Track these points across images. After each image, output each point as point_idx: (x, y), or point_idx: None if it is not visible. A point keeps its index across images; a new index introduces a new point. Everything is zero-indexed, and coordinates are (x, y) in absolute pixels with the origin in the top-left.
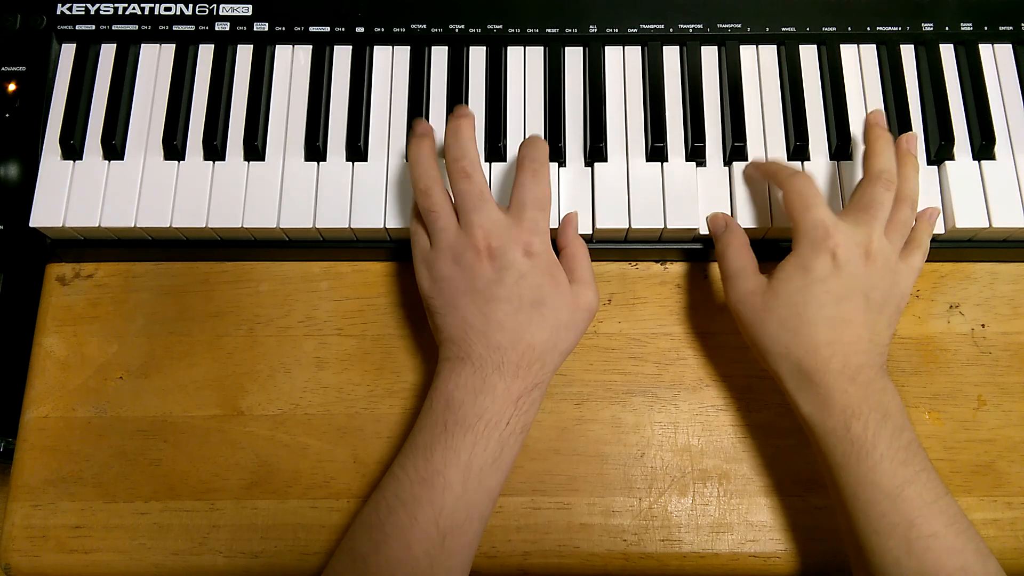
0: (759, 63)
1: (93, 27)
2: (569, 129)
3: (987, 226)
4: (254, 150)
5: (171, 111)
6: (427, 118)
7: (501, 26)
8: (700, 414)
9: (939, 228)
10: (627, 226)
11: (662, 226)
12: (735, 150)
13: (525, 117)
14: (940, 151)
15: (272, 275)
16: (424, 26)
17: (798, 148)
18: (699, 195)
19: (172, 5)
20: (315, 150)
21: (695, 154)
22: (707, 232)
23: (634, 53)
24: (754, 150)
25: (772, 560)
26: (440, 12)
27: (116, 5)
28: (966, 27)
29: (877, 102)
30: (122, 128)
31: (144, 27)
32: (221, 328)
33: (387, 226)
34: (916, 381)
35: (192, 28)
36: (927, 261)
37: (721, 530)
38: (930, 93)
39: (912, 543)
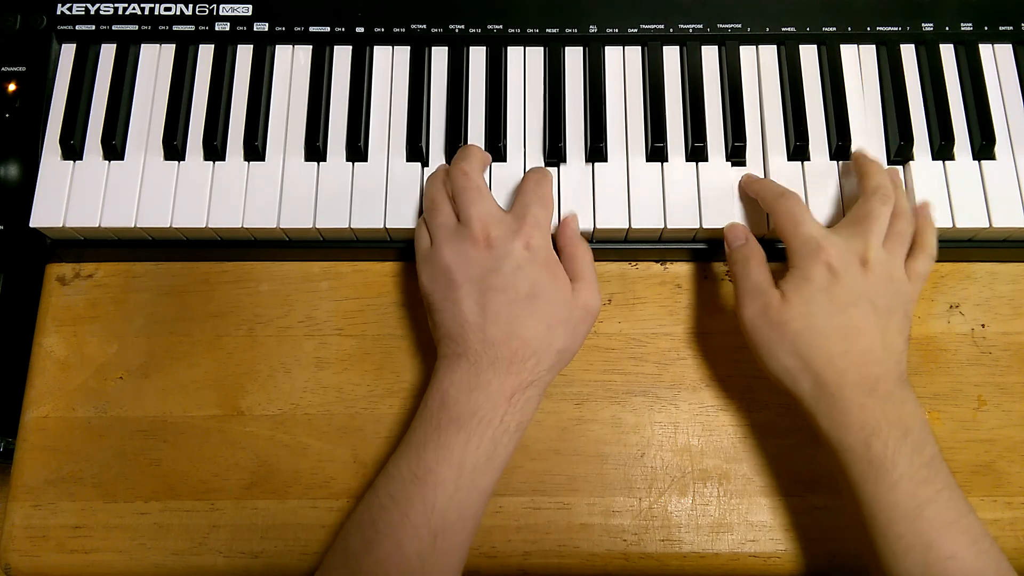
0: (759, 63)
1: (93, 27)
2: (569, 129)
3: (987, 226)
4: (254, 150)
5: (171, 111)
6: (427, 118)
7: (501, 26)
8: (700, 414)
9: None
10: (627, 226)
11: (662, 226)
12: (735, 150)
13: (525, 117)
14: (941, 151)
15: (272, 275)
16: (424, 26)
17: (798, 148)
18: (699, 195)
19: (172, 5)
20: (315, 150)
21: (695, 154)
22: (707, 232)
23: (634, 53)
24: (754, 150)
25: (772, 560)
26: (440, 12)
27: (116, 5)
28: (966, 27)
29: (877, 102)
30: (122, 128)
31: (144, 27)
32: (221, 328)
33: (387, 226)
34: (916, 381)
35: (192, 28)
36: None
37: (721, 530)
38: (930, 93)
39: (930, 565)
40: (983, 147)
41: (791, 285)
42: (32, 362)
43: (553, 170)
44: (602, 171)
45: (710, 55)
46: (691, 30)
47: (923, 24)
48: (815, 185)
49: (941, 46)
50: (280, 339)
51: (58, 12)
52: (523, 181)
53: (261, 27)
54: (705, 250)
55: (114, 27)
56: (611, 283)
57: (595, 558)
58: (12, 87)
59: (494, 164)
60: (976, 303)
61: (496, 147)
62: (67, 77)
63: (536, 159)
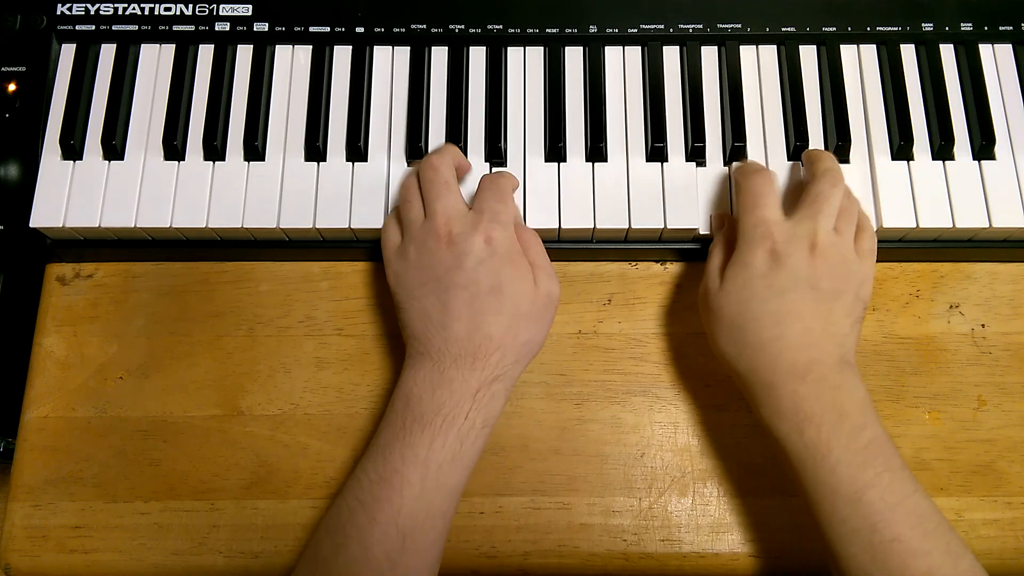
0: (759, 63)
1: (93, 27)
2: (569, 129)
3: (987, 226)
4: (254, 150)
5: (171, 111)
6: (427, 118)
7: (501, 26)
8: (700, 414)
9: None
10: (627, 226)
11: (662, 226)
12: (735, 150)
13: (525, 117)
14: (940, 151)
15: (272, 275)
16: (424, 26)
17: (798, 148)
18: (699, 195)
19: (172, 5)
20: (315, 150)
21: (695, 154)
22: (707, 232)
23: (634, 53)
24: (754, 150)
25: (772, 560)
26: (440, 12)
27: (116, 5)
28: (966, 27)
29: (877, 102)
30: (122, 128)
31: (144, 27)
32: (221, 328)
33: None
34: (916, 381)
35: (192, 28)
36: (927, 261)
37: (721, 530)
38: (930, 93)
39: (875, 549)
40: (983, 147)
41: (731, 271)
42: (32, 362)
43: (553, 169)
44: (602, 171)
45: (710, 55)
46: (691, 30)
47: (923, 24)
48: None
49: (941, 46)
50: (280, 339)
51: (58, 12)
52: (482, 180)
53: (261, 27)
54: (704, 250)
55: (114, 27)
56: (611, 283)
57: (595, 558)
58: (12, 87)
59: (494, 164)
60: (976, 303)
61: (496, 147)
62: (67, 77)
63: (536, 159)
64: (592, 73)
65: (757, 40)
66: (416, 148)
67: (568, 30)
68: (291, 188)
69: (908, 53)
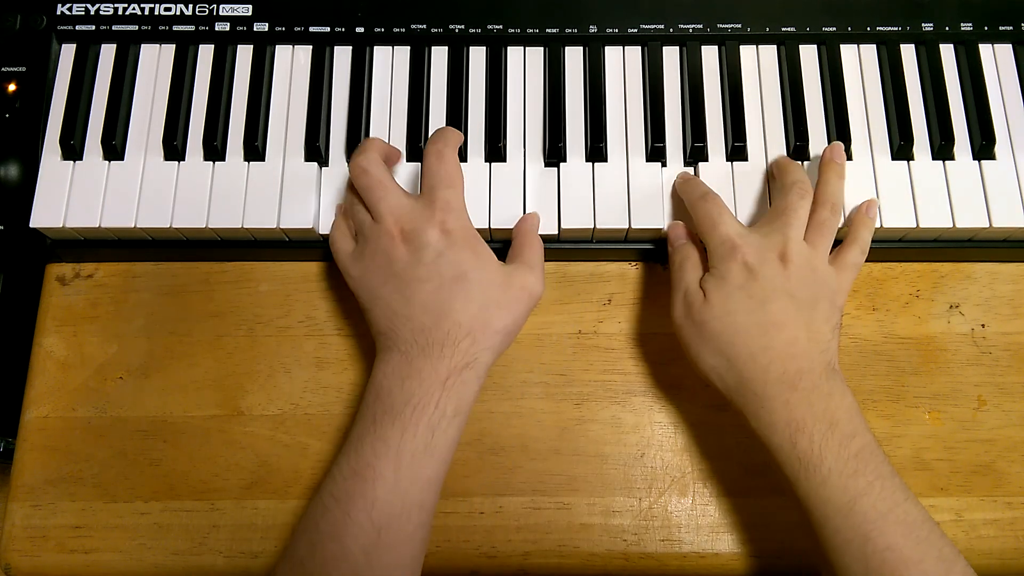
0: (759, 63)
1: (93, 27)
2: (569, 129)
3: (987, 226)
4: (254, 150)
5: (171, 111)
6: (427, 118)
7: (501, 26)
8: (700, 414)
9: (942, 222)
10: (627, 226)
11: (662, 226)
12: (735, 150)
13: (525, 117)
14: (940, 151)
15: (272, 275)
16: (424, 26)
17: (798, 148)
18: None
19: (172, 5)
20: (315, 150)
21: (695, 154)
22: None
23: (634, 53)
24: (754, 150)
25: (772, 560)
26: (440, 12)
27: (116, 5)
28: (966, 27)
29: (877, 102)
30: (122, 128)
31: (144, 27)
32: (221, 328)
33: None
34: (916, 381)
35: (192, 28)
36: (927, 261)
37: (721, 530)
38: (930, 93)
39: (868, 558)
40: (983, 147)
41: (710, 284)
42: (32, 362)
43: (553, 169)
44: (602, 171)
45: (710, 55)
46: (691, 30)
47: (923, 24)
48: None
49: (941, 46)
50: (280, 339)
51: (58, 12)
52: (425, 157)
53: (261, 27)
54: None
55: (114, 27)
56: (611, 283)
57: (595, 558)
58: (12, 87)
59: (494, 164)
60: (976, 303)
61: (496, 147)
62: (67, 77)
63: (536, 159)
64: (592, 73)
65: (757, 40)
66: (416, 148)
67: (568, 30)
68: (291, 188)
69: (908, 53)
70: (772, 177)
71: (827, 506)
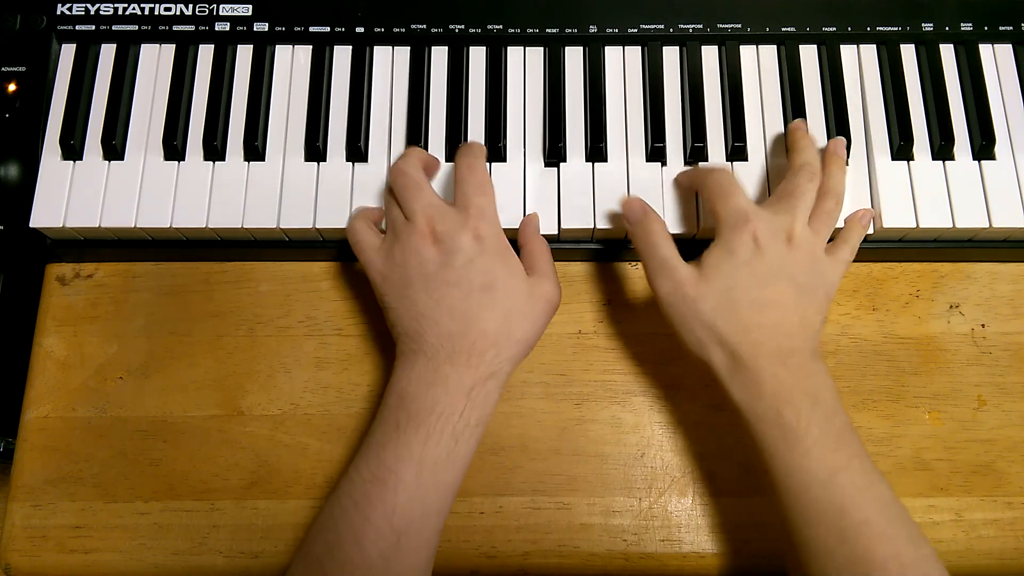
0: (759, 63)
1: (93, 27)
2: (569, 129)
3: (987, 226)
4: (254, 150)
5: (171, 111)
6: (427, 118)
7: (501, 26)
8: (700, 414)
9: (942, 222)
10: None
11: None
12: (735, 150)
13: (525, 117)
14: (940, 151)
15: (272, 275)
16: (424, 26)
17: None
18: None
19: (172, 5)
20: (315, 150)
21: (695, 154)
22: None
23: (634, 53)
24: (754, 150)
25: (772, 559)
26: (440, 12)
27: (116, 5)
28: (966, 27)
29: (877, 102)
30: (122, 128)
31: (144, 27)
32: (221, 328)
33: None
34: (916, 381)
35: (192, 28)
36: (927, 261)
37: (721, 530)
38: (930, 93)
39: (844, 531)
40: (983, 147)
41: (714, 258)
42: (32, 362)
43: (553, 169)
44: (602, 171)
45: (710, 55)
46: (691, 30)
47: (923, 24)
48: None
49: (941, 46)
50: (280, 339)
51: (58, 12)
52: (456, 169)
53: (261, 27)
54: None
55: (114, 27)
56: (611, 283)
57: (595, 558)
58: (12, 87)
59: (494, 164)
60: (976, 303)
61: (496, 147)
62: (67, 77)
63: (536, 159)
64: (592, 73)
65: (757, 40)
66: None
67: (568, 30)
68: (291, 188)
69: (908, 53)
70: (788, 148)
71: (806, 475)
